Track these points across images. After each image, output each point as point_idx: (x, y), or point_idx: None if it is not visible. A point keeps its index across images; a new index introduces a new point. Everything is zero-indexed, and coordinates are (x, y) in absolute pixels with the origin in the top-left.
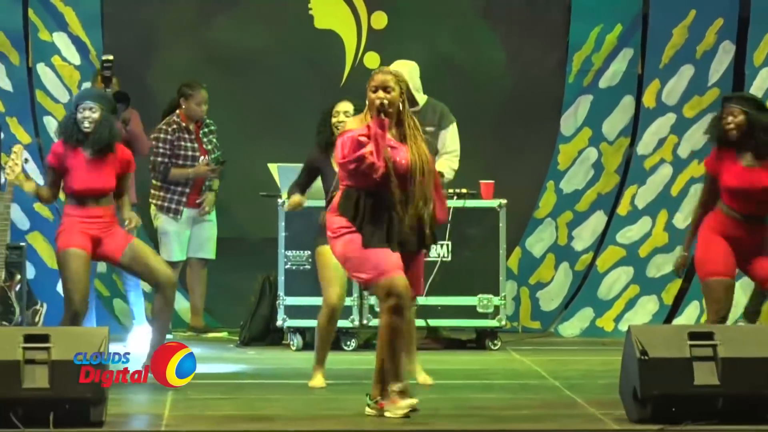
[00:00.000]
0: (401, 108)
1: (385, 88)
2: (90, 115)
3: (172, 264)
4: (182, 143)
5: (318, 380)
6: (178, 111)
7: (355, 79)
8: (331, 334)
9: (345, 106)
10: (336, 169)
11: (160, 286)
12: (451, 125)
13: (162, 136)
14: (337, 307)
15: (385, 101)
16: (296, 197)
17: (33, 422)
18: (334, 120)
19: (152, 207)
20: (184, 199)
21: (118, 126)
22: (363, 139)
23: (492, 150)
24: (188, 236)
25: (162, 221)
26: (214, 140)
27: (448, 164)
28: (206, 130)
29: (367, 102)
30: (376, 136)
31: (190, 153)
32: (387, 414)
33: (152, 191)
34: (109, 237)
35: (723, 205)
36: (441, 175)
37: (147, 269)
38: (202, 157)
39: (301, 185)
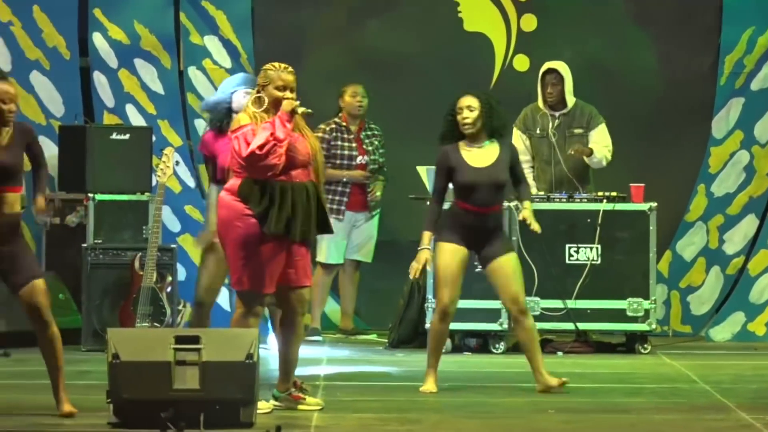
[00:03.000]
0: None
1: (292, 89)
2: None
3: (328, 266)
4: (339, 143)
5: (430, 385)
6: (340, 113)
7: (504, 82)
8: (444, 336)
9: (467, 101)
10: (469, 162)
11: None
12: (600, 125)
13: (319, 135)
14: (448, 309)
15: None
16: (427, 253)
17: (184, 422)
18: (459, 117)
19: None
20: (345, 200)
21: None
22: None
23: (642, 153)
24: (346, 240)
25: None
26: (377, 143)
27: (602, 151)
28: (369, 132)
29: (266, 99)
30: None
31: (346, 152)
32: (300, 407)
33: None
34: None
35: None
36: (591, 150)
37: None
38: (360, 157)
39: (441, 193)
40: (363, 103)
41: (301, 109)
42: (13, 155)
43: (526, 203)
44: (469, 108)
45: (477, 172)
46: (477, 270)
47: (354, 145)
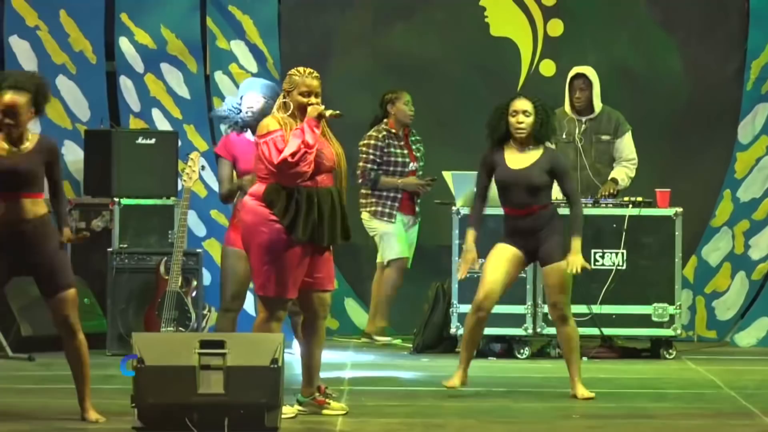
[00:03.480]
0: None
1: (317, 94)
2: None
3: (398, 261)
4: (392, 150)
5: (454, 380)
6: (385, 120)
7: (530, 87)
8: (476, 331)
9: (523, 105)
10: (508, 163)
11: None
12: (627, 133)
13: (372, 142)
14: (481, 304)
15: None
16: (472, 254)
17: (208, 427)
18: (512, 120)
19: (364, 214)
20: (397, 204)
21: None
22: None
23: (668, 158)
24: (406, 235)
25: (378, 224)
26: (422, 149)
27: (624, 171)
28: (414, 138)
29: (291, 104)
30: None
31: (400, 159)
32: (324, 412)
33: (362, 200)
34: None
35: None
36: (615, 182)
37: None
38: (412, 164)
39: (483, 191)
40: (413, 110)
41: (329, 112)
42: (31, 163)
43: (573, 242)
44: (525, 113)
45: (511, 173)
46: None
47: (405, 151)
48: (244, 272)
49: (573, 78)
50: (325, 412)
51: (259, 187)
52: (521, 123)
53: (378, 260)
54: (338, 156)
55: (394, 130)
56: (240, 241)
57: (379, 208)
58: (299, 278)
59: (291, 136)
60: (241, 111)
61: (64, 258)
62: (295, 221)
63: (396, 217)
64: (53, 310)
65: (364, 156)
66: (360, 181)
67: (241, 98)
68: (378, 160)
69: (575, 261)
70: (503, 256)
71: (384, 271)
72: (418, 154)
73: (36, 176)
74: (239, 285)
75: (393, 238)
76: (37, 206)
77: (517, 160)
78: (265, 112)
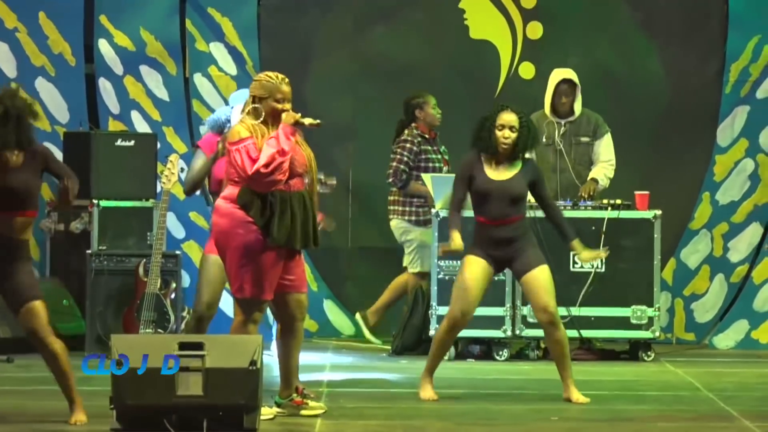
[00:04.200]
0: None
1: (289, 100)
2: None
3: (423, 275)
4: (429, 155)
5: (429, 392)
6: (414, 124)
7: (509, 90)
8: (447, 345)
9: (510, 120)
10: (488, 174)
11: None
12: (605, 135)
13: (408, 145)
14: (456, 322)
15: None
16: (458, 241)
17: (187, 429)
18: (498, 133)
19: (397, 221)
20: (429, 210)
21: None
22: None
23: (647, 161)
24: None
25: (418, 234)
26: (447, 152)
27: (603, 172)
28: (440, 143)
29: (263, 111)
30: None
31: (436, 165)
32: (303, 412)
33: (394, 207)
34: None
35: None
36: (595, 181)
37: None
38: (444, 167)
39: (460, 199)
40: (440, 112)
41: (308, 121)
42: (23, 179)
43: (576, 245)
44: (512, 129)
45: (493, 184)
46: None
47: (439, 156)
48: (221, 280)
49: (559, 83)
50: (303, 412)
51: (232, 191)
52: (507, 138)
53: (405, 263)
54: (309, 160)
55: (427, 135)
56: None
57: (421, 217)
58: (275, 280)
59: (265, 144)
60: (230, 122)
61: (30, 272)
62: (269, 223)
63: (428, 224)
64: (22, 324)
65: (398, 156)
66: (390, 180)
67: (231, 108)
68: (411, 163)
69: (590, 254)
70: (477, 271)
71: (408, 278)
72: (447, 158)
73: (28, 192)
74: (214, 293)
75: (427, 251)
76: (25, 228)
77: (497, 171)
78: None
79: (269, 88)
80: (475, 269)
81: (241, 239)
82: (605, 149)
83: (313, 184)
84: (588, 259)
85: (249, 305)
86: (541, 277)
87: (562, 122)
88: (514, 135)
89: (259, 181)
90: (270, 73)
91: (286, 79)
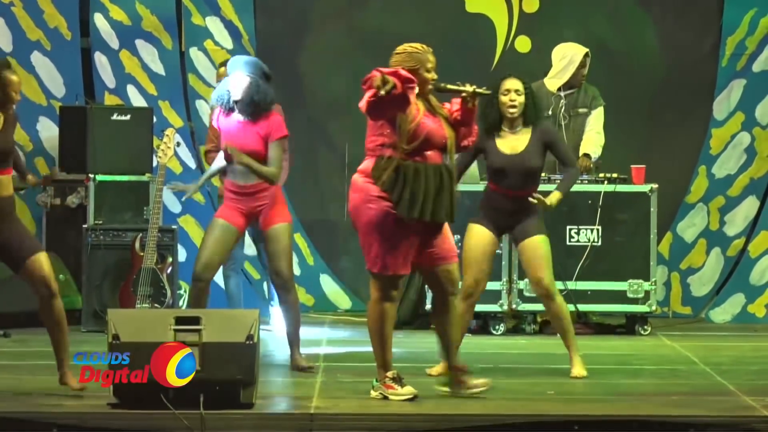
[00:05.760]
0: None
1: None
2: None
3: None
4: None
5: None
6: None
7: (506, 63)
8: (465, 316)
9: (515, 84)
10: (500, 148)
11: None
12: (599, 108)
13: None
14: (470, 290)
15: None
16: None
17: (183, 404)
18: (504, 98)
19: None
20: None
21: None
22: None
23: (644, 134)
24: None
25: None
26: None
27: (592, 143)
28: None
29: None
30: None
31: None
32: (391, 397)
33: None
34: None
35: None
36: (588, 157)
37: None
38: None
39: (463, 165)
40: None
41: (481, 90)
42: (6, 140)
43: (555, 193)
44: (517, 92)
45: (507, 158)
46: None
47: None
48: (223, 244)
49: (585, 55)
50: (468, 391)
51: (367, 164)
52: (514, 101)
53: None
54: (450, 136)
55: None
56: (228, 215)
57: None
58: (410, 253)
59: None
60: (230, 97)
61: (26, 228)
62: (401, 198)
63: None
64: (30, 277)
65: None
66: None
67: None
68: None
69: (545, 198)
70: (482, 240)
71: None
72: None
73: (10, 151)
74: (213, 255)
75: None
76: (9, 184)
77: (509, 145)
78: (251, 89)
79: (419, 58)
80: (481, 238)
81: (373, 213)
82: (595, 120)
83: (451, 158)
84: (542, 198)
85: (383, 281)
86: (538, 246)
87: (562, 95)
88: (520, 98)
89: (378, 106)
90: (414, 44)
91: (430, 48)
